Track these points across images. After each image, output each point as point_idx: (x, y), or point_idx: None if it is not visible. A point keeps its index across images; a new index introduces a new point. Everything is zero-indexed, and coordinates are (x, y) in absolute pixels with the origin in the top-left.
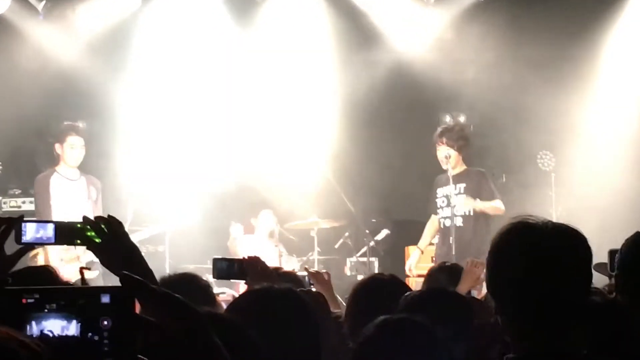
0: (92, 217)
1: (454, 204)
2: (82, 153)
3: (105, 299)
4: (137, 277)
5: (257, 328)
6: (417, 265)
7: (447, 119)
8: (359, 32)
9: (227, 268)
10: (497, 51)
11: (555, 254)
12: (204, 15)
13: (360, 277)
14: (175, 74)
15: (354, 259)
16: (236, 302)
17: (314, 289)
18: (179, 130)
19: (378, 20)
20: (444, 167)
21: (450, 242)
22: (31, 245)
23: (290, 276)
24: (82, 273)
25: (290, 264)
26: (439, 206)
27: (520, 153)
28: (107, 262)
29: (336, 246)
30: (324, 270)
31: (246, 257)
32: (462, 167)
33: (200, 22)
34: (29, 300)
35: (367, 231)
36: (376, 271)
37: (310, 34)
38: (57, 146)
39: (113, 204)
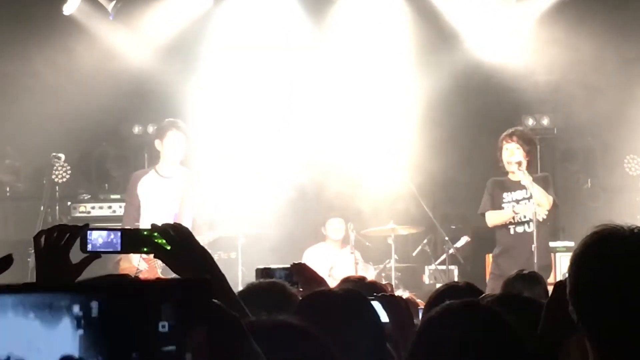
0: (177, 215)
1: (517, 210)
2: (184, 149)
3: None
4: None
5: (321, 329)
6: None
7: (530, 121)
8: (438, 32)
9: (277, 277)
10: (583, 52)
11: None
12: (277, 15)
13: (438, 286)
14: (248, 75)
15: (432, 266)
16: (300, 306)
17: None
18: (252, 133)
19: (458, 19)
20: (511, 169)
21: (522, 249)
22: (97, 254)
23: (376, 286)
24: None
25: (367, 272)
26: None
27: (606, 157)
28: (178, 269)
29: (414, 254)
30: (387, 282)
31: (292, 265)
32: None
33: (273, 22)
34: None
35: (447, 238)
36: (456, 279)
37: (388, 34)
38: (157, 142)
39: None
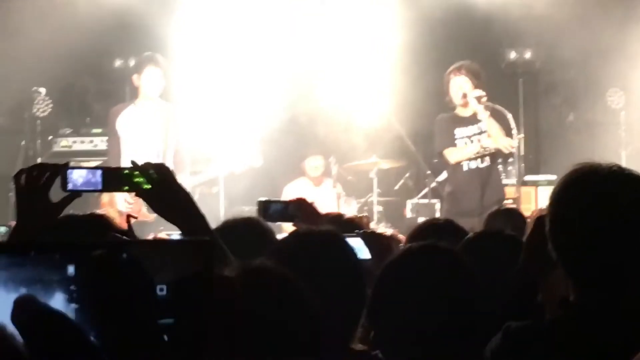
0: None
1: (485, 144)
2: (162, 84)
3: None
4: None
5: (297, 272)
6: None
7: (513, 54)
8: None
9: (272, 210)
10: None
11: (623, 199)
12: None
13: (421, 219)
14: (230, 10)
15: (414, 200)
16: (276, 247)
17: None
18: (234, 69)
19: None
20: (460, 101)
21: (478, 185)
22: (77, 193)
23: (355, 222)
24: (128, 221)
25: (349, 206)
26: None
27: (588, 90)
28: (158, 208)
29: (396, 187)
30: (364, 214)
31: (294, 199)
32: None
33: None
34: None
35: (429, 172)
36: (437, 214)
37: None
38: (135, 77)
39: None
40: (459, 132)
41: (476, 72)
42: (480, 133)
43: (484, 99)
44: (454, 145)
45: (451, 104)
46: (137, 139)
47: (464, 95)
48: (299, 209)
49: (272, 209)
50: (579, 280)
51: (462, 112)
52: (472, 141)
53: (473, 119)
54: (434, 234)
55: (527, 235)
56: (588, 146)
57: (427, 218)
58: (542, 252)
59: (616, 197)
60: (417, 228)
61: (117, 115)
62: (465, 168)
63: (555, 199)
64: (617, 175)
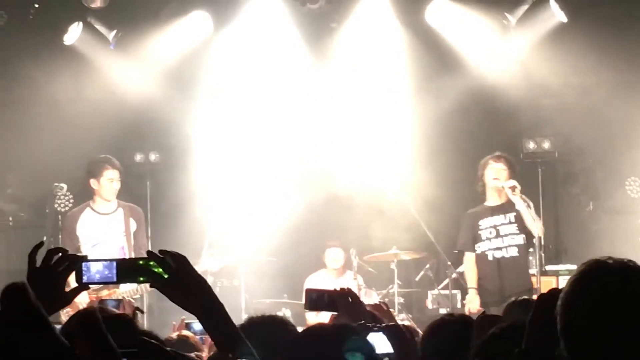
0: (130, 249)
1: (505, 232)
2: (119, 186)
3: None
4: (154, 342)
5: None
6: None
7: (531, 145)
8: (437, 57)
9: (317, 299)
10: (582, 75)
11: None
12: (277, 42)
13: (442, 311)
14: (249, 103)
15: (435, 291)
16: (290, 341)
17: None
18: (254, 161)
19: (457, 45)
20: (498, 184)
21: (503, 274)
22: (86, 285)
23: (375, 317)
24: (134, 315)
25: (370, 298)
26: (484, 238)
27: (607, 179)
28: (176, 298)
29: (417, 278)
30: (382, 301)
31: (341, 288)
32: (505, 196)
33: (273, 49)
34: None
35: (449, 263)
36: (459, 304)
37: (387, 59)
38: (92, 181)
39: (188, 235)
40: (485, 222)
41: (514, 164)
42: (510, 223)
43: (518, 190)
44: (478, 237)
45: (482, 190)
46: (101, 242)
47: (495, 179)
48: (341, 300)
49: (311, 298)
50: None
51: (492, 201)
52: (497, 230)
53: (503, 208)
54: (447, 331)
55: (530, 315)
56: (608, 235)
57: (448, 310)
58: (546, 332)
59: (625, 297)
60: (430, 326)
61: (77, 220)
62: (490, 257)
63: (566, 299)
64: (627, 272)
